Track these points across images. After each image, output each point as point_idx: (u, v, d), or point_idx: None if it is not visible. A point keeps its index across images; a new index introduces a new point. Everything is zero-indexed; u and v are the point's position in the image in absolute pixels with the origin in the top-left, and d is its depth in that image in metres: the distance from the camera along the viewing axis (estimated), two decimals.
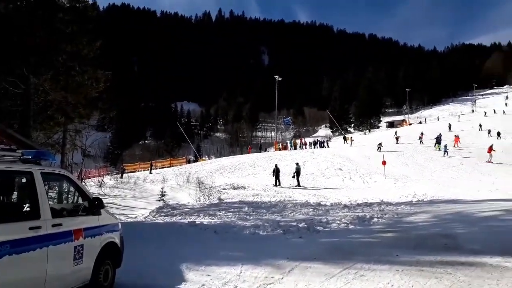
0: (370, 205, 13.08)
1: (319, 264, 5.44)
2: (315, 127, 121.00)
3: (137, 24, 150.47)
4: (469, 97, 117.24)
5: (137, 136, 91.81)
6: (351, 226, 9.01)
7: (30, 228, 3.35)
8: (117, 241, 4.94)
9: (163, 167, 41.37)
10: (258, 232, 8.58)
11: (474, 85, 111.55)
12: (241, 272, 5.35)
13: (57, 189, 10.43)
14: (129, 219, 12.09)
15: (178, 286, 4.95)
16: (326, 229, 8.71)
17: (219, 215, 11.45)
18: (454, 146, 34.38)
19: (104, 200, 5.01)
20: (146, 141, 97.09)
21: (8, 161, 3.63)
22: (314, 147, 46.20)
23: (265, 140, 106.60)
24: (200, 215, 11.51)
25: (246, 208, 12.47)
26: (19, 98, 12.12)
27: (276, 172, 21.62)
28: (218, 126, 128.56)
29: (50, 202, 4.28)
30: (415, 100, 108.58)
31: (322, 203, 13.97)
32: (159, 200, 16.00)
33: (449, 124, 55.66)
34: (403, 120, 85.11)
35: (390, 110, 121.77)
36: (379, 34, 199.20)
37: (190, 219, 10.73)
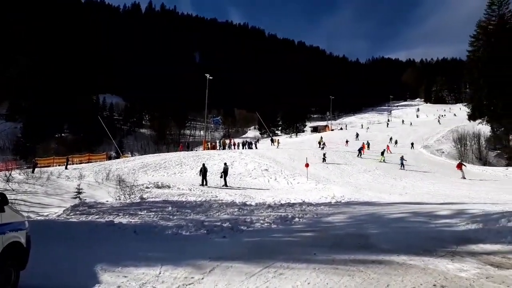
0: (292, 205, 13.51)
1: (240, 264, 5.46)
2: (244, 128, 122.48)
3: (60, 9, 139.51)
4: (386, 107, 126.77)
5: (53, 129, 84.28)
6: (273, 226, 9.22)
7: None
8: (23, 241, 4.50)
9: (80, 163, 38.87)
10: (181, 232, 8.41)
11: (391, 96, 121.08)
12: (160, 273, 5.19)
13: None
14: (39, 217, 11.12)
15: None
16: (250, 229, 8.81)
17: (140, 214, 11.03)
18: (362, 154, 36.93)
19: (11, 196, 4.56)
20: (63, 135, 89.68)
21: None
22: (243, 148, 46.64)
23: (193, 139, 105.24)
24: (120, 214, 10.99)
25: (170, 208, 12.17)
26: None
27: (204, 171, 21.41)
28: (143, 122, 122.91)
29: None
30: (338, 107, 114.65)
31: (247, 203, 14.12)
32: (75, 198, 14.95)
33: (357, 133, 59.96)
34: (326, 126, 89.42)
35: (315, 116, 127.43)
36: (307, 42, 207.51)
37: (108, 218, 10.20)
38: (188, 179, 23.30)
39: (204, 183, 21.15)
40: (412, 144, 45.67)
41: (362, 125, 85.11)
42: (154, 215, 10.95)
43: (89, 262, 5.71)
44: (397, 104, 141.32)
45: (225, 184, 21.42)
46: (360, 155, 31.53)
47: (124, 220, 10.00)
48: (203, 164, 22.27)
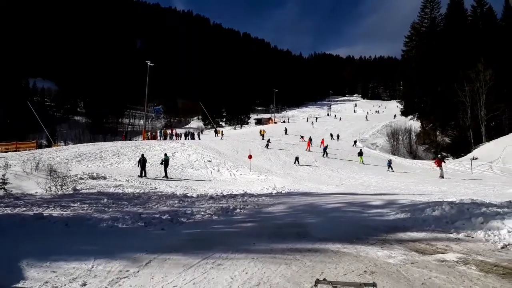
0: (234, 196, 13.57)
1: (178, 256, 5.36)
2: (187, 118, 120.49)
3: None
4: (326, 102, 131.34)
5: None
6: (214, 217, 9.17)
7: None
8: None
9: (7, 151, 35.95)
10: (117, 224, 8.07)
11: (331, 91, 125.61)
12: (92, 267, 4.94)
13: None
14: None
15: (15, 285, 4.32)
16: (190, 221, 8.68)
17: (73, 206, 10.44)
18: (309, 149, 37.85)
19: None
20: None
21: None
22: (186, 138, 45.89)
23: (132, 128, 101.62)
24: (50, 206, 10.31)
25: (105, 200, 11.66)
26: None
27: (142, 162, 20.74)
28: (78, 109, 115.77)
29: None
30: (281, 100, 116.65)
31: (188, 194, 13.95)
32: None
33: (285, 128, 60.07)
34: (269, 118, 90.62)
35: (259, 108, 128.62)
36: (253, 34, 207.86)
37: (37, 210, 9.52)
38: (125, 170, 22.46)
39: (143, 174, 20.51)
40: (355, 141, 46.99)
41: (307, 119, 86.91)
42: (88, 207, 10.42)
43: (13, 257, 5.28)
44: (337, 99, 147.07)
45: (166, 176, 20.95)
46: (391, 169, 29.32)
47: (55, 212, 9.42)
48: (142, 155, 21.61)
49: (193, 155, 28.90)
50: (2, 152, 34.95)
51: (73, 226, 7.89)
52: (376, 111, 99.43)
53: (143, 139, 43.73)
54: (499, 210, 7.62)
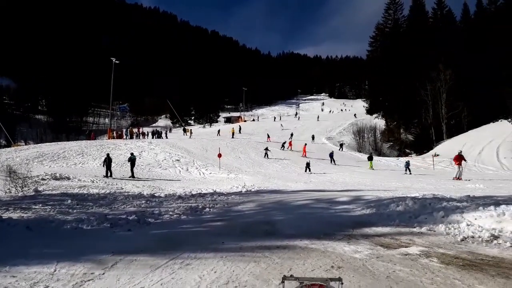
0: (203, 195, 13.47)
1: (146, 256, 5.26)
2: (155, 117, 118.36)
3: None
4: (295, 100, 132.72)
5: None
6: (183, 217, 9.07)
7: None
8: None
9: None
10: (82, 226, 7.82)
11: (299, 90, 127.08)
12: (55, 271, 4.75)
13: None
14: None
15: None
16: (158, 221, 8.55)
17: (35, 208, 10.02)
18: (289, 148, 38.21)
19: None
20: None
21: None
22: (153, 137, 45.11)
23: (97, 127, 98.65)
24: (10, 209, 9.85)
25: (69, 201, 11.27)
26: None
27: (108, 162, 20.20)
28: (39, 108, 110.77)
29: None
30: (250, 99, 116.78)
31: (156, 194, 13.72)
32: None
33: (239, 126, 59.16)
34: (239, 117, 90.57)
35: (228, 107, 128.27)
36: (221, 32, 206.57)
37: None
38: (90, 170, 21.80)
39: (109, 174, 19.98)
40: (313, 136, 48.07)
41: (274, 118, 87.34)
42: (50, 209, 10.03)
43: None
44: (305, 98, 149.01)
45: (132, 176, 20.51)
46: (409, 171, 27.00)
47: (15, 215, 9.00)
48: (108, 154, 21.05)
49: (161, 154, 28.45)
50: None
51: (35, 228, 7.57)
52: (341, 110, 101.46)
53: (109, 138, 42.61)
54: (458, 204, 7.96)
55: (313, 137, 48.72)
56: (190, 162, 26.84)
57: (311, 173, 25.62)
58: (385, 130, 62.17)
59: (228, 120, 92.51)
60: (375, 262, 4.80)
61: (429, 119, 54.34)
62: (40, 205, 10.62)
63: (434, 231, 6.69)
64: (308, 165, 26.70)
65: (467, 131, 48.71)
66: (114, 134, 45.06)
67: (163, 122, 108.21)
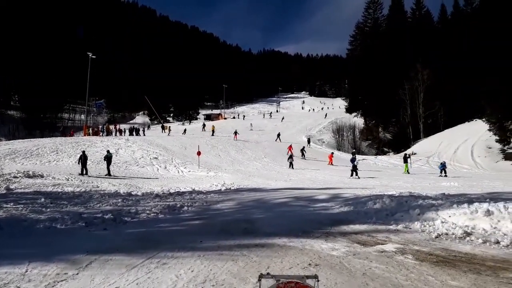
0: (182, 194, 13.35)
1: (121, 256, 5.15)
2: (132, 114, 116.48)
3: None
4: (275, 98, 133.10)
5: None
6: (161, 216, 8.96)
7: None
8: None
9: None
10: (55, 225, 7.61)
11: (280, 88, 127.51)
12: (27, 271, 4.60)
13: None
14: None
15: None
16: (135, 220, 8.41)
17: (6, 207, 9.68)
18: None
19: None
20: None
21: None
22: (130, 134, 44.41)
23: (73, 124, 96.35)
24: None
25: (43, 199, 10.96)
26: None
27: (83, 159, 19.75)
28: (12, 103, 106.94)
29: None
30: (231, 96, 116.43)
31: (133, 193, 13.50)
32: None
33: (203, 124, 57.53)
34: (219, 114, 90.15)
35: (208, 104, 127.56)
36: (201, 28, 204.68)
37: None
38: (65, 168, 21.27)
39: (84, 172, 19.55)
40: (278, 135, 45.61)
41: (264, 115, 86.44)
42: (23, 207, 9.72)
43: None
44: (285, 96, 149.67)
45: (109, 173, 20.13)
46: (444, 173, 23.62)
47: None
48: (83, 152, 20.58)
49: (138, 152, 28.05)
50: None
51: (6, 228, 7.32)
52: (322, 108, 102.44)
53: (84, 135, 41.71)
54: (434, 202, 8.13)
55: (308, 141, 45.25)
56: (168, 160, 26.56)
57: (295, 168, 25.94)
58: (364, 128, 63.07)
59: (208, 118, 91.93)
60: (352, 259, 4.85)
61: (407, 118, 55.46)
62: (12, 203, 10.28)
63: (410, 228, 6.82)
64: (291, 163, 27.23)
65: (443, 130, 49.92)
66: (90, 131, 44.14)
67: (141, 119, 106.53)
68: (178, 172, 23.55)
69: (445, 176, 23.07)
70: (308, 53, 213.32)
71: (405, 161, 27.09)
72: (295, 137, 48.89)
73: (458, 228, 6.37)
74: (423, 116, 52.84)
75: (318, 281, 1.97)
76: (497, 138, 37.18)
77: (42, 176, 17.41)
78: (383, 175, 24.35)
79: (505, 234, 5.94)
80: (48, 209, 9.50)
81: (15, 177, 16.38)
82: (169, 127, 54.37)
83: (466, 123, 48.95)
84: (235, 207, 10.49)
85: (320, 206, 9.70)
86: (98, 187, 15.59)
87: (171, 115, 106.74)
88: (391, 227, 6.98)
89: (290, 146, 32.42)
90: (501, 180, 19.83)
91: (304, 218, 8.19)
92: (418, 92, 52.33)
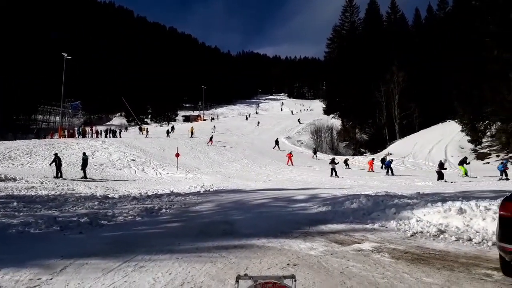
0: (160, 196, 13.20)
1: (97, 260, 5.06)
2: (109, 115, 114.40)
3: None
4: (255, 100, 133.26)
5: None
6: (138, 218, 8.84)
7: None
8: None
9: None
10: (29, 230, 7.40)
11: (259, 90, 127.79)
12: None
13: None
14: None
15: None
16: (111, 223, 8.27)
17: None
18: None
19: None
20: None
21: None
22: (106, 136, 43.62)
23: (47, 125, 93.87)
24: None
25: (15, 203, 10.60)
26: None
27: (58, 162, 19.28)
28: None
29: None
30: (210, 97, 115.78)
31: (110, 195, 13.26)
32: None
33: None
34: (198, 116, 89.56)
35: (187, 105, 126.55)
36: (179, 29, 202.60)
37: None
38: (39, 171, 20.73)
39: (59, 175, 19.09)
40: (276, 141, 44.29)
41: (247, 117, 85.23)
42: None
43: None
44: (265, 98, 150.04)
45: (85, 176, 19.73)
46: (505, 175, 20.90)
47: None
48: (56, 154, 20.11)
49: (115, 154, 27.59)
50: None
51: None
52: (300, 110, 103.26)
53: (59, 137, 40.71)
54: (409, 201, 8.33)
55: (277, 142, 41.75)
56: (146, 162, 26.22)
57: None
58: (341, 130, 63.94)
59: (187, 119, 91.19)
60: (329, 258, 4.91)
61: (383, 119, 56.60)
62: None
63: (386, 227, 6.96)
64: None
65: (418, 131, 51.16)
66: (66, 133, 43.13)
67: (118, 120, 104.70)
68: (156, 174, 23.29)
69: (507, 179, 20.01)
70: (287, 55, 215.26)
71: (462, 163, 23.86)
72: (274, 139, 49.01)
73: (433, 226, 6.55)
74: (399, 118, 54.03)
75: (295, 281, 2.00)
76: (469, 138, 38.38)
77: (14, 180, 16.91)
78: (360, 175, 24.74)
79: (477, 232, 6.13)
80: (21, 213, 9.21)
81: None
82: (147, 128, 53.73)
83: (440, 124, 50.29)
84: (214, 208, 10.45)
85: (298, 207, 9.77)
86: (74, 190, 15.23)
87: (149, 116, 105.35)
88: (367, 226, 7.11)
89: (290, 154, 30.84)
90: (473, 179, 20.45)
91: (283, 219, 8.24)
92: (393, 94, 53.48)
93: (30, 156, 25.01)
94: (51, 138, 41.99)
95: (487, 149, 37.25)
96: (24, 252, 5.73)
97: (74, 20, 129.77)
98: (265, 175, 23.67)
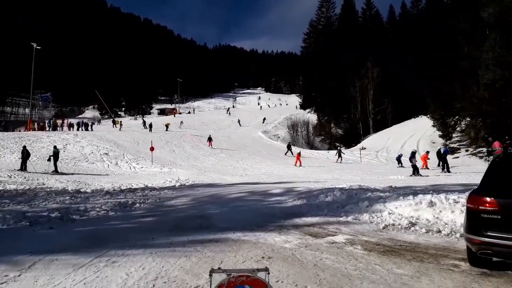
0: (133, 190, 13.01)
1: (68, 255, 4.93)
2: (81, 108, 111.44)
3: None
4: (232, 94, 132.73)
5: None
6: (111, 213, 8.68)
7: None
8: None
9: None
10: None
11: (236, 84, 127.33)
12: None
13: None
14: None
15: None
16: (84, 218, 8.10)
17: None
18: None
19: None
20: None
21: None
22: (79, 129, 42.53)
23: (16, 118, 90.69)
24: None
25: None
26: None
27: (26, 155, 18.67)
28: None
29: None
30: (186, 91, 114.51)
31: (82, 190, 12.96)
32: None
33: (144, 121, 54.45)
34: (173, 109, 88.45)
35: (162, 98, 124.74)
36: (154, 20, 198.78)
37: None
38: (7, 165, 19.99)
39: (24, 168, 18.49)
40: (288, 146, 42.71)
41: (227, 110, 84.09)
42: None
43: None
44: (242, 92, 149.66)
45: (55, 170, 19.20)
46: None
47: None
48: (24, 147, 19.48)
49: (88, 147, 26.95)
50: None
51: None
52: (275, 105, 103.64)
53: (29, 130, 39.38)
54: (382, 194, 8.52)
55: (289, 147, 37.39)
56: (119, 155, 25.74)
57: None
58: (317, 124, 64.58)
59: (162, 112, 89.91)
60: (303, 251, 4.97)
61: (358, 114, 57.52)
62: None
63: (359, 220, 7.10)
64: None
65: (391, 126, 52.26)
66: (36, 126, 41.75)
67: (90, 113, 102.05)
68: (130, 168, 22.91)
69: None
70: (264, 49, 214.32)
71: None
72: (251, 133, 49.10)
73: (404, 218, 6.72)
74: (373, 113, 55.06)
75: (268, 273, 2.01)
76: (440, 133, 39.48)
77: None
78: (335, 168, 25.08)
79: (446, 224, 6.34)
80: None
81: None
82: (121, 121, 52.64)
83: (413, 119, 51.49)
84: (189, 203, 10.39)
85: (274, 200, 9.84)
86: (44, 184, 14.80)
87: (123, 109, 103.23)
88: (341, 219, 7.23)
89: (298, 154, 28.55)
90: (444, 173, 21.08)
91: (258, 212, 8.28)
92: (368, 89, 54.42)
93: None
94: (29, 131, 40.37)
95: (457, 144, 38.42)
96: None
97: (44, 9, 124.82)
98: (242, 169, 23.68)
